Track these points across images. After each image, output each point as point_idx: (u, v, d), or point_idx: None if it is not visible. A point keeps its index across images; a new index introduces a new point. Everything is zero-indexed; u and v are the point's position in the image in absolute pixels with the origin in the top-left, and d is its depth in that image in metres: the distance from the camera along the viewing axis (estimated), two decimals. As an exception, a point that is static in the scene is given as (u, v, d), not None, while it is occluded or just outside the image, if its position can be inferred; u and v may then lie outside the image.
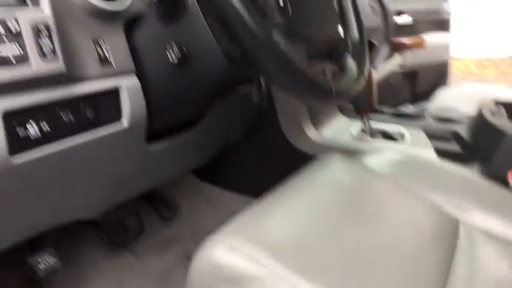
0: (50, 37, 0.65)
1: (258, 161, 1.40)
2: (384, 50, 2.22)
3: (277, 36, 0.61)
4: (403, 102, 2.33)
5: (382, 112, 1.44)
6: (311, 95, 0.64)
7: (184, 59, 0.76)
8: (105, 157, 0.84)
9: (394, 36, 2.21)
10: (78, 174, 0.81)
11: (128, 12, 0.82)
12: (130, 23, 0.83)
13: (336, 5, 0.82)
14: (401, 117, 1.38)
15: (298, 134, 1.25)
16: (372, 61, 2.29)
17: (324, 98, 0.66)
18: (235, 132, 1.33)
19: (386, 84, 2.26)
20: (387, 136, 1.23)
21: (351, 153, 0.97)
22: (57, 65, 0.66)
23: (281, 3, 0.64)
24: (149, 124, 0.87)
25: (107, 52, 0.77)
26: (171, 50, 0.75)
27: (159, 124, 0.90)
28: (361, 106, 1.19)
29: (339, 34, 0.81)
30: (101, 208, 0.99)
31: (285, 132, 1.27)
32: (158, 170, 1.07)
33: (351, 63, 0.80)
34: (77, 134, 0.73)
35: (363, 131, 1.25)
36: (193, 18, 0.75)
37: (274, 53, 0.58)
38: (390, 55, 2.23)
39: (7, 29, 0.60)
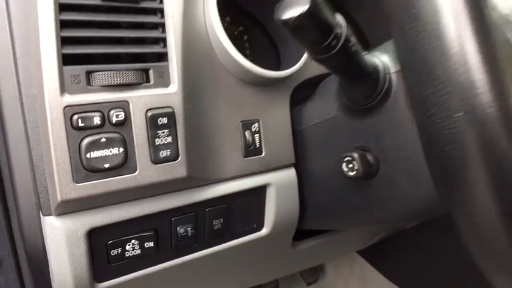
0: (171, 131, 0.40)
1: (428, 258, 1.00)
2: None
3: None
4: None
5: None
6: None
7: (368, 173, 0.44)
8: (237, 261, 0.58)
9: None
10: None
11: (297, 80, 0.53)
12: (296, 96, 0.54)
13: None
14: None
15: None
16: None
17: None
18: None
19: None
20: None
21: None
22: (176, 171, 0.41)
23: None
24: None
25: (259, 140, 0.50)
26: (349, 157, 0.44)
27: (308, 227, 0.60)
28: None
29: None
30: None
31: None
32: (300, 264, 0.79)
33: None
34: (198, 251, 0.49)
35: None
36: (395, 113, 0.42)
37: None
38: None
39: (107, 122, 0.37)
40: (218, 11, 0.45)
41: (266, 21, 0.60)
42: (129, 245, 0.43)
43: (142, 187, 0.40)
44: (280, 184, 0.52)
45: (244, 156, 0.49)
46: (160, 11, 0.41)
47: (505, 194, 0.22)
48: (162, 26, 0.41)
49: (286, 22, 0.30)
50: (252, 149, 0.49)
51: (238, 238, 0.52)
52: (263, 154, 0.50)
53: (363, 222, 0.53)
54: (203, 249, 0.49)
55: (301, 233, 0.63)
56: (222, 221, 0.49)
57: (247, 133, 0.49)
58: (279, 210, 0.53)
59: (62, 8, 0.36)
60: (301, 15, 0.29)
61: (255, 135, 0.50)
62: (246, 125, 0.49)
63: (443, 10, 0.24)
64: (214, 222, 0.49)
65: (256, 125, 0.50)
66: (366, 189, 0.46)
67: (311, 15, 0.29)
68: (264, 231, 0.54)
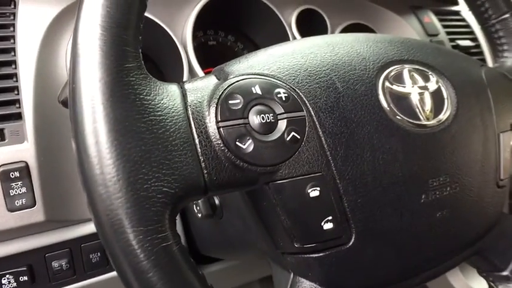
0: (25, 182, 0.45)
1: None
2: None
3: None
4: None
5: None
6: None
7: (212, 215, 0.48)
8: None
9: None
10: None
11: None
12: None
13: None
14: None
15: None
16: None
17: None
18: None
19: None
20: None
21: None
22: (33, 216, 0.46)
23: None
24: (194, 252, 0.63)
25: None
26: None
27: (211, 255, 0.64)
28: None
29: None
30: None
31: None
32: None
33: None
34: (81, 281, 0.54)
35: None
36: None
37: None
38: None
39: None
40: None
41: (158, 58, 0.64)
42: (4, 279, 0.49)
43: (2, 232, 0.45)
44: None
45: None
46: (15, 75, 0.46)
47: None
48: (17, 88, 0.46)
49: (61, 102, 0.34)
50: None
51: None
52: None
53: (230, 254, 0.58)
54: (83, 280, 0.54)
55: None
56: (99, 254, 0.54)
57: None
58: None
59: None
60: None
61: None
62: None
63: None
64: (91, 256, 0.53)
65: None
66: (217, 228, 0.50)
67: None
68: (151, 260, 0.58)
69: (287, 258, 0.32)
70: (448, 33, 0.78)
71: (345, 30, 0.71)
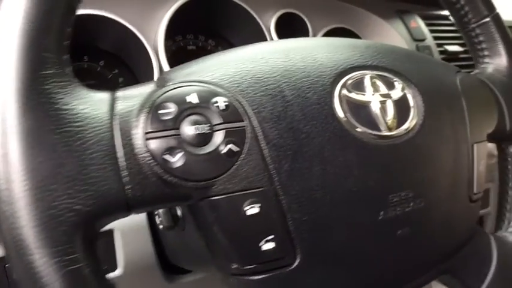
0: None
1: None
2: None
3: None
4: None
5: None
6: None
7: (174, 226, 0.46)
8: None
9: None
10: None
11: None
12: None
13: None
14: None
15: None
16: None
17: None
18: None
19: None
20: None
21: None
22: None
23: None
24: (165, 263, 0.61)
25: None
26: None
27: (184, 267, 0.62)
28: None
29: None
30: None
31: None
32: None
33: None
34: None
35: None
36: None
37: None
38: None
39: None
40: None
41: (132, 64, 0.62)
42: (-40, 291, 0.47)
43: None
44: (126, 229, 0.55)
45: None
46: None
47: None
48: None
49: None
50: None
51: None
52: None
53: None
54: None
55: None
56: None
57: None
58: (129, 252, 0.55)
59: None
60: None
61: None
62: None
63: None
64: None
65: None
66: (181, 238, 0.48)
67: None
68: (118, 271, 0.56)
69: (229, 279, 0.29)
70: (436, 38, 0.75)
71: (328, 34, 0.69)
